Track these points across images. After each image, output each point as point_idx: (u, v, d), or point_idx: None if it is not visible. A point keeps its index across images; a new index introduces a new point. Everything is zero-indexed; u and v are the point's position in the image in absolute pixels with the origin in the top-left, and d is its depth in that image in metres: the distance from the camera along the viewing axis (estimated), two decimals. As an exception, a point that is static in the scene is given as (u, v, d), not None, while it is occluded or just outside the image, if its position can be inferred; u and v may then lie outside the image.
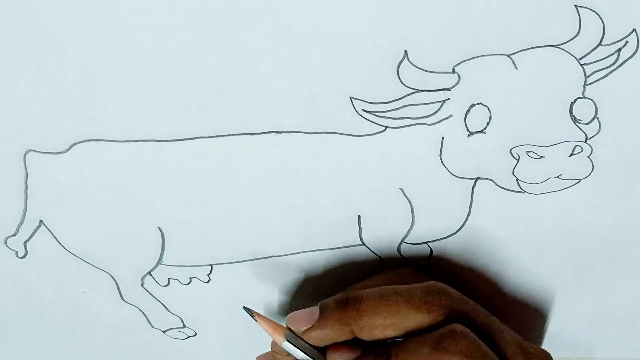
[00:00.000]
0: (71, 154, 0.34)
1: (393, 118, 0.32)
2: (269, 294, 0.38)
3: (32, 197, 0.35)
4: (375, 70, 0.31)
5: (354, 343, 0.32)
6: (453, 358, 0.28)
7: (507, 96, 0.32)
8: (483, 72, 0.31)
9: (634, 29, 0.30)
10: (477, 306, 0.32)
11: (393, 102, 0.32)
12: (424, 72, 0.31)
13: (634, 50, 0.31)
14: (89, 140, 0.33)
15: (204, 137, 0.33)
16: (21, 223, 0.36)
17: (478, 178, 0.34)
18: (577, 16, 0.30)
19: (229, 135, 0.33)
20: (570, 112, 0.32)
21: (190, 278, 0.38)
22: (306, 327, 0.32)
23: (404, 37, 0.30)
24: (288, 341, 0.32)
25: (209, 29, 0.30)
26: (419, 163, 0.34)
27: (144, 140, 0.33)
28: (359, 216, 0.35)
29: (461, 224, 0.35)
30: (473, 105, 0.32)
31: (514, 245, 0.36)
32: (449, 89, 0.32)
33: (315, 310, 0.32)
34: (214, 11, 0.30)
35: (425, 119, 0.32)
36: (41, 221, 0.36)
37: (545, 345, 0.39)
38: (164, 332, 0.40)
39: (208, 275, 0.38)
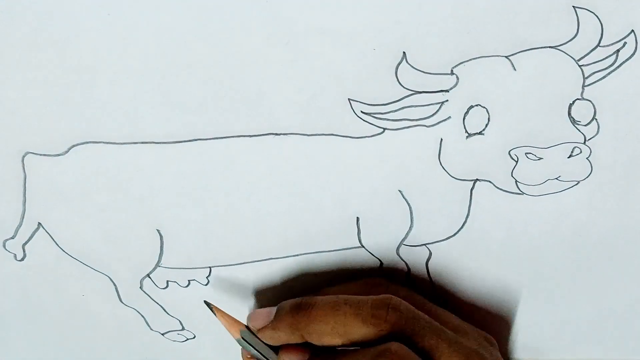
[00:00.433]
0: (70, 156, 0.33)
1: (391, 120, 0.32)
2: (268, 296, 0.38)
3: (31, 199, 0.35)
4: (373, 71, 0.31)
5: (307, 345, 0.32)
6: None
7: (505, 97, 0.32)
8: (481, 74, 0.31)
9: (633, 30, 0.30)
10: (432, 325, 0.31)
11: (391, 104, 0.32)
12: (423, 73, 0.31)
13: (632, 51, 0.31)
14: (87, 143, 0.33)
15: (203, 139, 0.33)
16: (19, 225, 0.36)
17: (477, 180, 0.34)
18: (576, 17, 0.30)
19: (228, 137, 0.33)
20: (569, 114, 0.32)
21: (189, 280, 0.38)
22: (261, 326, 0.33)
23: (402, 39, 0.30)
24: (243, 338, 0.34)
25: (207, 31, 0.30)
26: (417, 165, 0.33)
27: (142, 142, 0.33)
28: (357, 218, 0.35)
29: (460, 226, 0.35)
30: (471, 106, 0.32)
31: (513, 247, 0.36)
32: (447, 91, 0.32)
33: (272, 310, 0.33)
34: (212, 13, 0.30)
35: (423, 120, 0.32)
36: (40, 224, 0.36)
37: (545, 346, 0.39)
38: (162, 334, 0.40)
39: (207, 277, 0.38)
